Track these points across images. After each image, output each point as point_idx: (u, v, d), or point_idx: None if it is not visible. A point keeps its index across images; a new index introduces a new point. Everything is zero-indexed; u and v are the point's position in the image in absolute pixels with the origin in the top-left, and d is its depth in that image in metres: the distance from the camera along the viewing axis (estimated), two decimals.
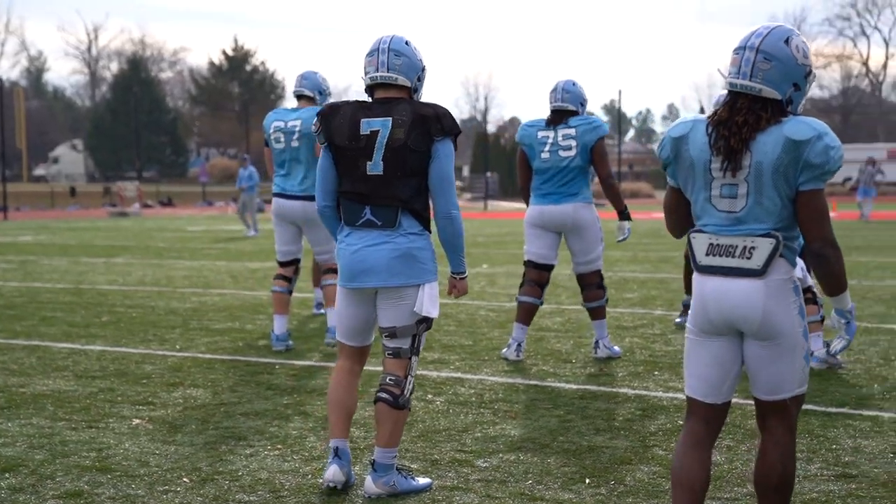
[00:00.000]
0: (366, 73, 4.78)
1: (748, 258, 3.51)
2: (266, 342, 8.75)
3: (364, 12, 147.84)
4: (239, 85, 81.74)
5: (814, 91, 76.25)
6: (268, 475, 5.01)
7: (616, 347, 8.00)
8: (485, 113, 78.40)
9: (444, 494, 4.70)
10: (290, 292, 8.39)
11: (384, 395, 4.71)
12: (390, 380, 4.73)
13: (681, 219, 3.78)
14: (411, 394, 4.78)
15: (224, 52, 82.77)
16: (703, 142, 3.59)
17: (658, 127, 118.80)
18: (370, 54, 4.76)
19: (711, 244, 3.58)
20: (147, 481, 4.93)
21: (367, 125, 4.67)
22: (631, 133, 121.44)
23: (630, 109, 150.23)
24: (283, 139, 8.13)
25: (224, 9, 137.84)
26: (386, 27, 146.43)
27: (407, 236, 4.66)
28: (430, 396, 6.63)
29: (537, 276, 7.93)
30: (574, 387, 6.91)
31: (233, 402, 6.53)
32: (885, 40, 74.00)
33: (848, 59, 75.34)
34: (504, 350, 7.96)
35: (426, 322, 4.74)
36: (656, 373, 7.33)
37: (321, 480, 4.84)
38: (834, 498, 4.58)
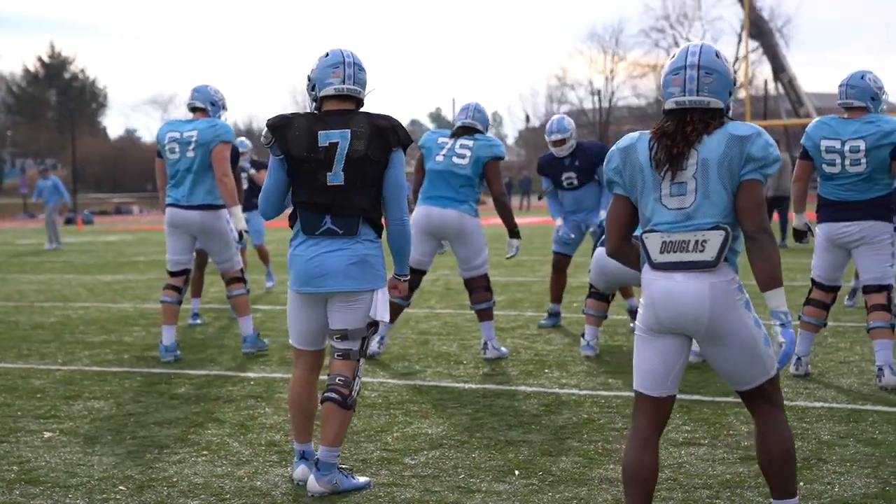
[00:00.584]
0: (326, 84, 4.89)
1: (701, 251, 3.76)
2: (150, 353, 8.71)
3: (180, 19, 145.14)
4: (57, 93, 79.21)
5: (631, 100, 78.80)
6: (204, 480, 5.08)
7: (503, 348, 8.30)
8: None
9: (384, 491, 4.87)
10: (180, 303, 8.39)
11: (333, 395, 4.85)
12: (339, 380, 4.88)
13: (624, 227, 4.00)
14: (357, 394, 4.94)
15: (40, 59, 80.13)
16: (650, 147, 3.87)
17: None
18: (335, 66, 4.88)
19: (665, 241, 3.81)
20: (83, 490, 4.95)
21: (325, 137, 4.81)
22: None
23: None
24: (178, 150, 8.14)
25: (36, 14, 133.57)
26: (207, 34, 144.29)
27: (364, 243, 4.83)
28: None
29: (411, 278, 8.20)
30: (474, 386, 7.16)
31: (140, 413, 6.53)
32: None
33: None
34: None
35: (374, 326, 4.91)
36: (546, 371, 7.65)
37: (294, 479, 5.03)
38: (745, 478, 4.93)
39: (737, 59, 75.33)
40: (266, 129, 4.91)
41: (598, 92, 77.30)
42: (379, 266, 4.89)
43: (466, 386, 7.17)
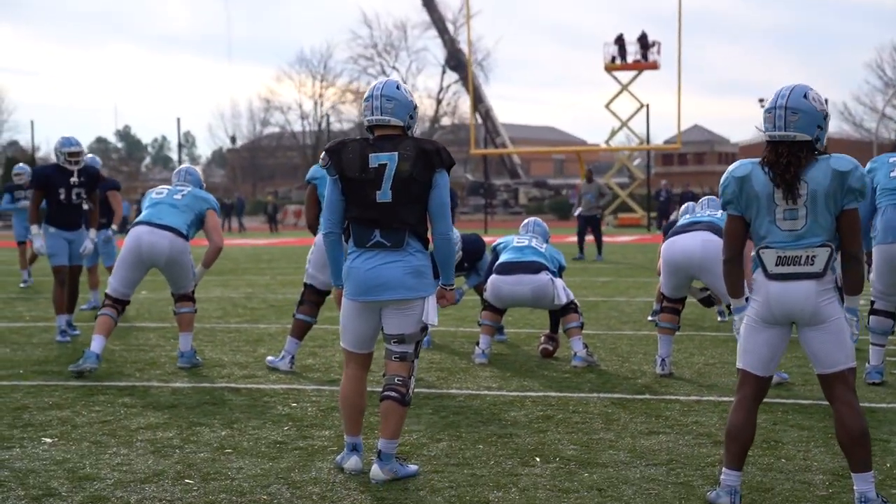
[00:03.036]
0: (364, 116, 5.50)
1: (811, 265, 4.66)
2: (47, 367, 8.75)
3: None
4: None
5: (337, 126, 79.87)
6: (257, 472, 5.48)
7: None
8: None
9: (436, 477, 5.43)
10: (116, 322, 8.61)
11: (393, 393, 5.40)
12: (398, 380, 5.43)
13: (739, 240, 4.85)
14: (413, 391, 5.50)
15: None
16: (763, 178, 4.71)
17: (174, 154, 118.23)
18: (366, 100, 5.48)
19: (779, 256, 4.69)
20: (156, 484, 5.25)
21: (375, 159, 5.36)
22: (147, 160, 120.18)
23: (146, 136, 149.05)
24: (165, 192, 8.85)
25: None
26: None
27: (415, 255, 5.39)
28: (298, 403, 7.23)
29: (316, 298, 8.67)
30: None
31: (108, 420, 6.75)
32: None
33: None
34: (275, 359, 8.73)
35: (425, 329, 5.49)
36: (459, 376, 8.34)
37: (346, 469, 5.50)
38: (678, 445, 5.85)
39: (441, 89, 78.51)
40: (324, 153, 5.44)
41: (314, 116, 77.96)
42: (429, 275, 5.47)
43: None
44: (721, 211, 8.57)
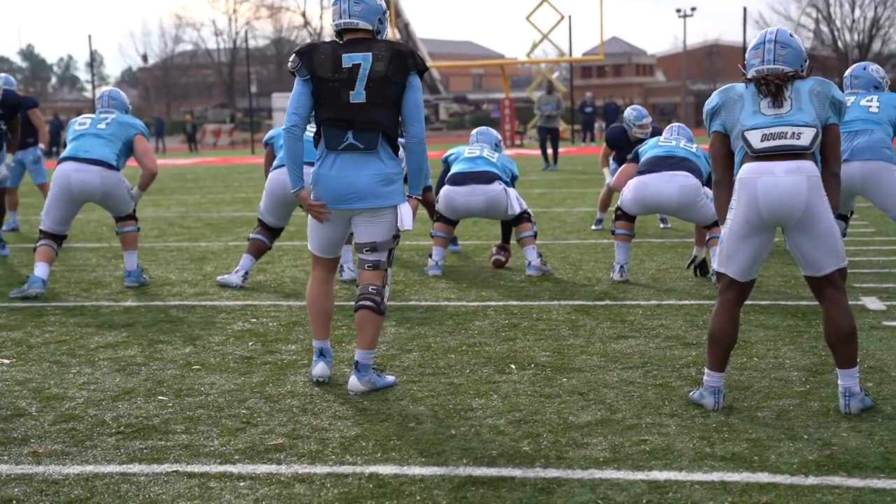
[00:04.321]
0: (333, 20, 5.33)
1: (797, 139, 4.60)
2: None
3: None
4: None
5: (252, 42, 78.28)
6: (230, 388, 5.37)
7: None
8: None
9: (415, 386, 5.37)
10: (55, 252, 8.31)
11: (368, 302, 5.29)
12: (372, 289, 5.31)
13: (725, 159, 4.84)
14: (387, 300, 5.39)
15: None
16: (744, 85, 4.75)
17: (82, 74, 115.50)
18: (335, 3, 5.31)
19: (765, 134, 4.63)
20: (127, 403, 5.11)
21: (348, 59, 5.20)
22: (53, 80, 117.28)
23: (51, 56, 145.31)
24: (89, 123, 8.36)
25: None
26: None
27: (386, 162, 5.25)
28: (257, 319, 7.11)
29: (270, 228, 8.55)
30: None
31: (64, 340, 6.57)
32: None
33: (287, 10, 78.89)
34: (226, 276, 8.58)
35: (397, 237, 5.38)
36: (415, 288, 8.28)
37: (313, 376, 5.43)
38: (650, 349, 5.88)
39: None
40: (294, 55, 5.27)
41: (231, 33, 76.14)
42: (400, 182, 5.35)
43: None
44: (694, 145, 8.53)
